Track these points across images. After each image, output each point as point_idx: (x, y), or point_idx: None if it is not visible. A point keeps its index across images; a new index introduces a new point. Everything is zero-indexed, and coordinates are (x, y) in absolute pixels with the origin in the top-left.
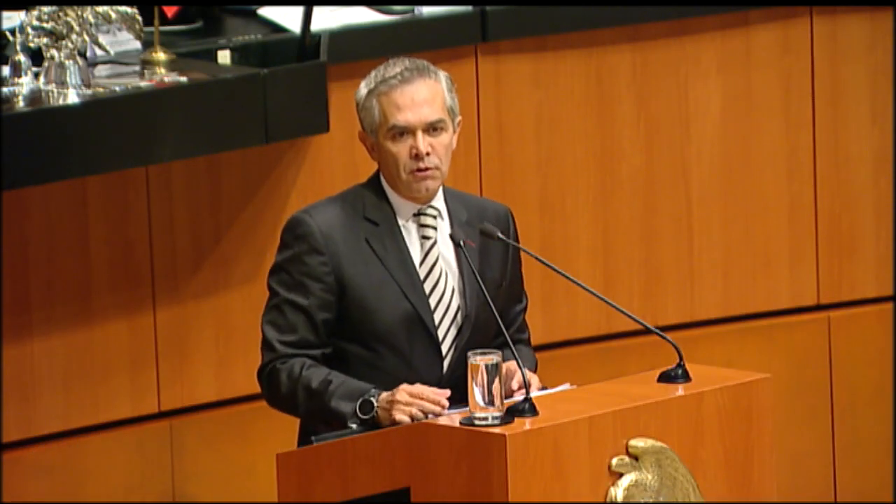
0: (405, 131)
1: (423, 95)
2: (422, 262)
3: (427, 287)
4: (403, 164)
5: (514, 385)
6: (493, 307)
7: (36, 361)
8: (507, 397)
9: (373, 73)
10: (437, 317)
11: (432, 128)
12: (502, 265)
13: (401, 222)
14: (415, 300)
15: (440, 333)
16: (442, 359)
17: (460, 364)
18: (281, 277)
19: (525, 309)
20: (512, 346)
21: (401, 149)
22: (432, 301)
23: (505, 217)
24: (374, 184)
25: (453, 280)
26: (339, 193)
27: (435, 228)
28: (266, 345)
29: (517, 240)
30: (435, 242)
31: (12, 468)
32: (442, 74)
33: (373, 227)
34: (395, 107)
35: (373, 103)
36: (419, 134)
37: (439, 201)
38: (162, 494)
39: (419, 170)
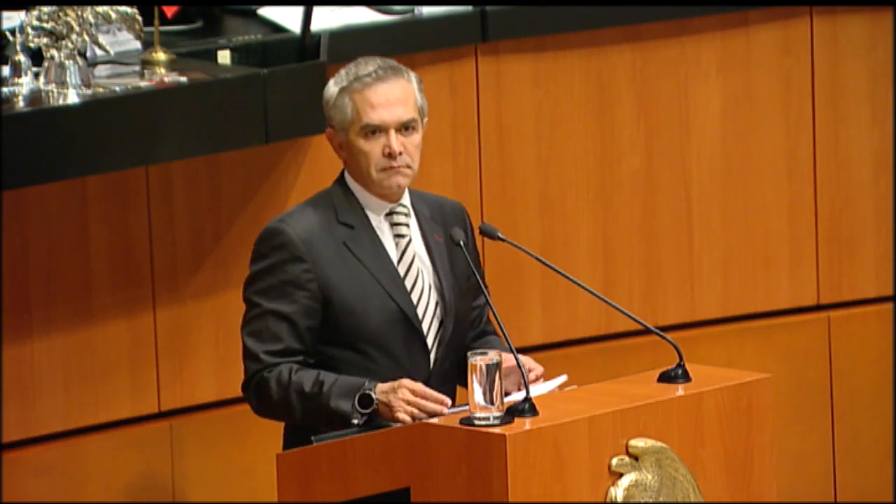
0: (378, 130)
1: (397, 94)
2: (399, 261)
3: (408, 285)
4: (375, 161)
5: (532, 376)
6: (488, 298)
7: (36, 361)
8: (508, 394)
9: (343, 72)
10: (420, 313)
11: (405, 127)
12: (464, 259)
13: (374, 223)
14: (399, 299)
15: (425, 329)
16: (428, 354)
17: (446, 359)
18: (260, 287)
19: (488, 302)
20: (506, 338)
21: (373, 147)
22: (414, 298)
23: (461, 213)
24: (342, 187)
25: (429, 277)
26: (307, 200)
27: (408, 226)
28: (250, 356)
29: (473, 234)
30: (410, 240)
31: (12, 468)
32: (413, 75)
33: (349, 231)
34: (369, 105)
35: (346, 101)
36: (392, 133)
37: (407, 199)
38: (162, 494)
39: (391, 167)
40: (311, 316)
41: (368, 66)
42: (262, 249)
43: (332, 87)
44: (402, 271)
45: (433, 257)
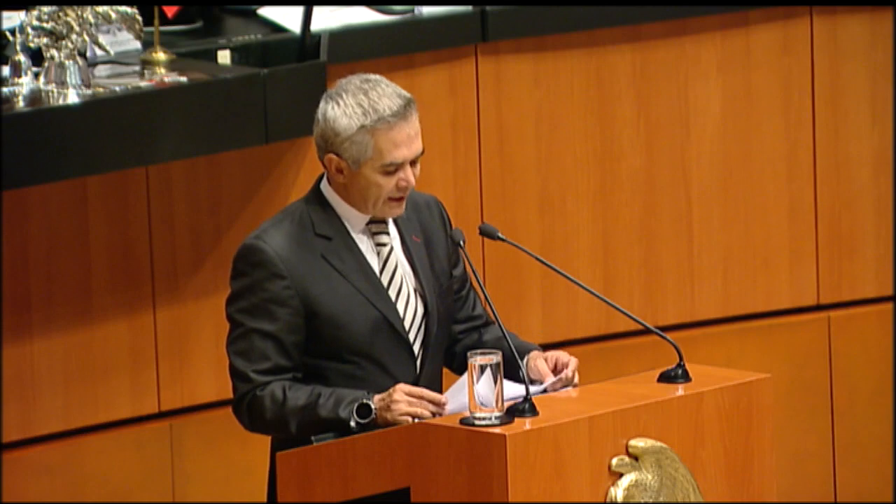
0: (398, 166)
1: (416, 129)
2: (382, 271)
3: (392, 294)
4: (388, 193)
5: (569, 372)
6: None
7: (36, 361)
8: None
9: (354, 103)
10: (406, 321)
11: (416, 158)
12: (446, 251)
13: (353, 233)
14: (382, 307)
15: (411, 336)
16: (415, 359)
17: (432, 361)
18: (242, 306)
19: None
20: (504, 330)
21: (389, 181)
22: (399, 307)
23: (437, 205)
24: (318, 198)
25: (412, 282)
26: (281, 213)
27: (388, 233)
28: (239, 376)
29: (450, 223)
30: (391, 249)
31: (12, 468)
32: (413, 99)
33: (326, 242)
34: (393, 144)
35: (366, 139)
36: (408, 166)
37: None
38: (162, 494)
39: (401, 198)
40: (296, 331)
41: (384, 98)
42: (241, 267)
43: (347, 121)
44: (385, 281)
45: (413, 260)
